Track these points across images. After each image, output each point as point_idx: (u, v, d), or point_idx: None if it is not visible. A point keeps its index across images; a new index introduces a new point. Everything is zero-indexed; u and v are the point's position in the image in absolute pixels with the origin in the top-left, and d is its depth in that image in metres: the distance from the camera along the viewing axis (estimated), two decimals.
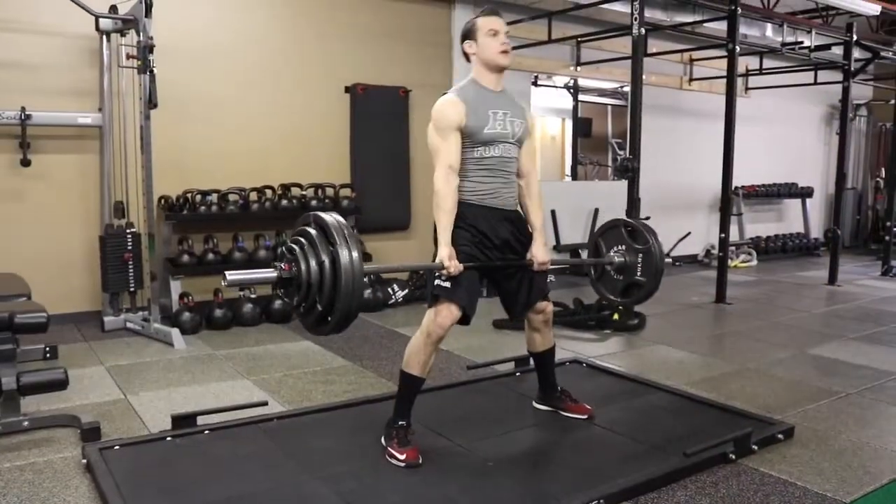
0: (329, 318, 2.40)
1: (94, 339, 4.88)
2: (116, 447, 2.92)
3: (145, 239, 5.05)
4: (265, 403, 3.36)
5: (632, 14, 5.27)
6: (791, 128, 10.08)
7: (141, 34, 4.63)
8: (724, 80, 6.32)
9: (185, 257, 5.38)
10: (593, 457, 2.98)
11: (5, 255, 4.86)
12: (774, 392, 3.90)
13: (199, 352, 4.63)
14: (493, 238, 2.94)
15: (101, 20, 4.87)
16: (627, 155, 5.53)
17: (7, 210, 5.00)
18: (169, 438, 3.05)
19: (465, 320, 2.89)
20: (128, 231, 5.07)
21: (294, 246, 2.44)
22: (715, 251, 7.61)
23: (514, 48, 7.10)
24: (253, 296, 5.40)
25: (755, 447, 2.98)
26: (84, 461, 2.83)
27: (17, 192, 5.01)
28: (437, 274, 2.81)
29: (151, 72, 4.62)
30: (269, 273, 2.41)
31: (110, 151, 5.11)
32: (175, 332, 4.74)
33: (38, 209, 5.09)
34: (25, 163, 4.82)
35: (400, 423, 2.91)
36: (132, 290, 5.13)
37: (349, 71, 6.27)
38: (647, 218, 5.51)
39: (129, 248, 5.05)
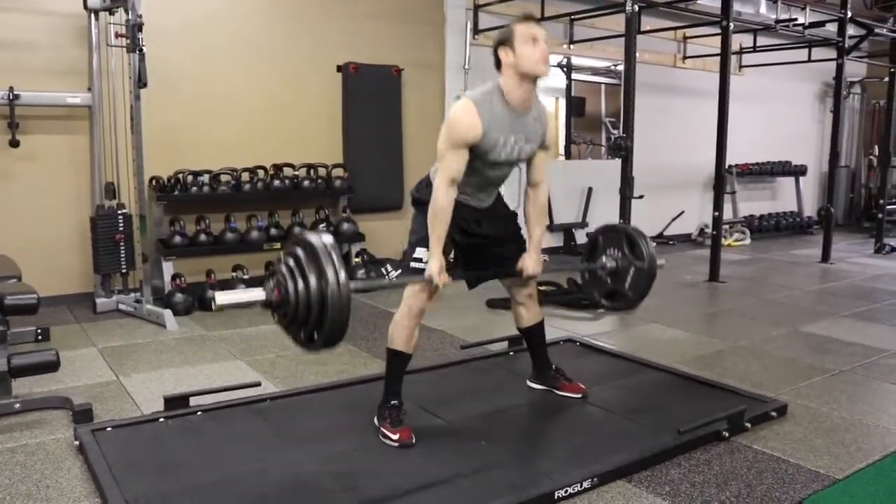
0: (316, 338, 2.44)
1: (87, 320, 4.86)
2: (108, 428, 2.91)
3: (136, 220, 5.01)
4: (258, 384, 3.36)
5: None
6: (785, 105, 10.06)
7: (130, 12, 4.57)
8: (718, 58, 6.28)
9: (177, 238, 5.34)
10: (587, 435, 2.98)
11: None
12: (767, 370, 3.91)
13: (191, 333, 4.61)
14: (463, 227, 2.94)
15: None
16: (621, 133, 5.50)
17: None
18: (161, 419, 3.04)
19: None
20: (119, 212, 5.03)
21: (283, 268, 2.46)
22: (708, 230, 7.60)
23: (506, 26, 7.10)
24: (246, 277, 5.38)
25: (748, 425, 2.99)
26: (76, 443, 2.82)
27: (7, 173, 4.96)
28: (411, 258, 2.84)
29: (141, 51, 4.56)
30: (259, 295, 2.43)
31: (100, 132, 5.06)
32: (167, 313, 4.72)
33: (28, 190, 5.04)
34: (14, 143, 4.75)
35: (392, 402, 2.90)
36: (124, 271, 5.10)
37: (341, 49, 6.20)
38: (641, 196, 5.54)
39: (121, 229, 5.01)
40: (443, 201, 2.73)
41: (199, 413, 3.10)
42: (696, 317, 5.23)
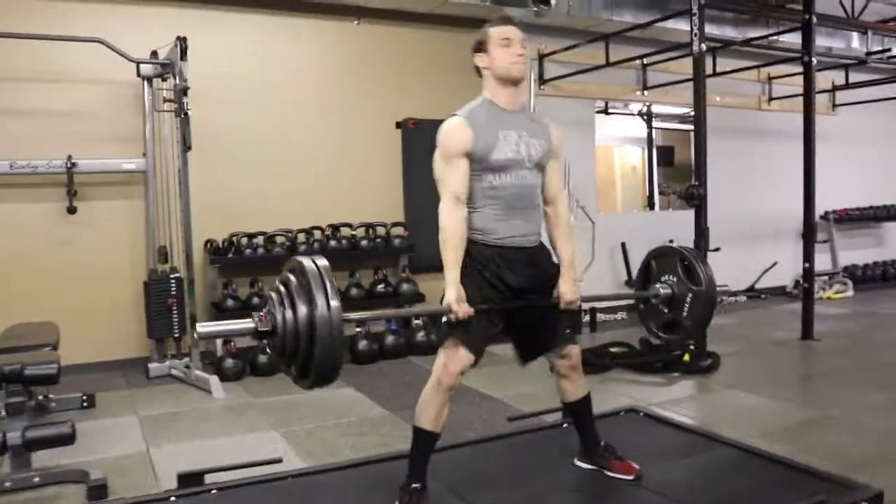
0: (308, 372, 2.17)
1: (138, 386, 4.81)
2: None
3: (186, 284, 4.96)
4: (280, 460, 3.12)
5: (691, 29, 4.89)
6: (888, 145, 9.30)
7: (177, 77, 4.59)
8: None
9: (230, 301, 5.27)
10: None
11: (53, 302, 4.86)
12: (862, 445, 3.38)
13: (236, 400, 4.46)
14: (509, 282, 2.63)
15: (141, 66, 4.88)
16: (693, 181, 5.12)
17: (55, 257, 5.02)
18: (173, 499, 2.84)
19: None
20: (171, 276, 5.00)
21: (273, 294, 2.25)
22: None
23: (572, 74, 6.84)
24: None
25: None
26: None
27: (65, 239, 5.04)
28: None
29: (186, 115, 4.56)
30: (246, 324, 2.21)
31: (154, 196, 5.09)
32: (214, 379, 4.60)
33: (86, 256, 5.10)
34: (72, 210, 4.84)
35: (414, 485, 2.60)
36: (177, 335, 5.05)
37: (399, 105, 6.11)
38: (717, 249, 5.10)
39: (173, 293, 4.98)
40: (449, 222, 2.55)
41: (213, 491, 2.88)
42: (783, 381, 4.70)
